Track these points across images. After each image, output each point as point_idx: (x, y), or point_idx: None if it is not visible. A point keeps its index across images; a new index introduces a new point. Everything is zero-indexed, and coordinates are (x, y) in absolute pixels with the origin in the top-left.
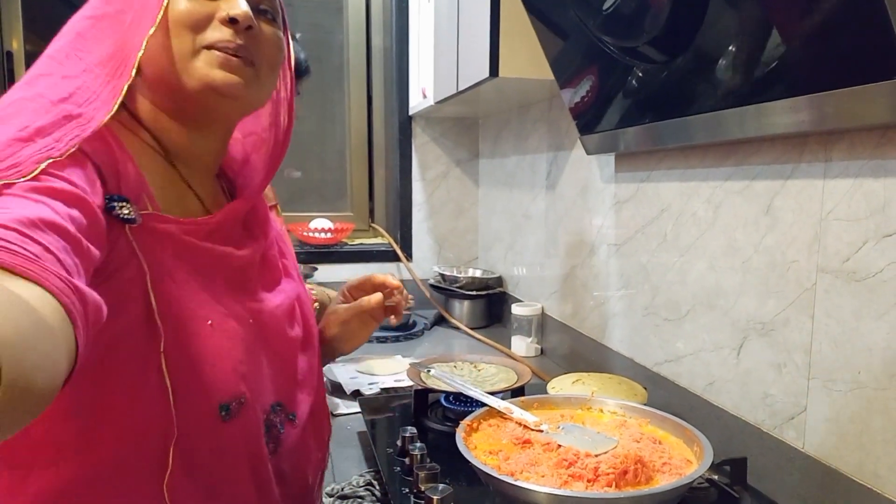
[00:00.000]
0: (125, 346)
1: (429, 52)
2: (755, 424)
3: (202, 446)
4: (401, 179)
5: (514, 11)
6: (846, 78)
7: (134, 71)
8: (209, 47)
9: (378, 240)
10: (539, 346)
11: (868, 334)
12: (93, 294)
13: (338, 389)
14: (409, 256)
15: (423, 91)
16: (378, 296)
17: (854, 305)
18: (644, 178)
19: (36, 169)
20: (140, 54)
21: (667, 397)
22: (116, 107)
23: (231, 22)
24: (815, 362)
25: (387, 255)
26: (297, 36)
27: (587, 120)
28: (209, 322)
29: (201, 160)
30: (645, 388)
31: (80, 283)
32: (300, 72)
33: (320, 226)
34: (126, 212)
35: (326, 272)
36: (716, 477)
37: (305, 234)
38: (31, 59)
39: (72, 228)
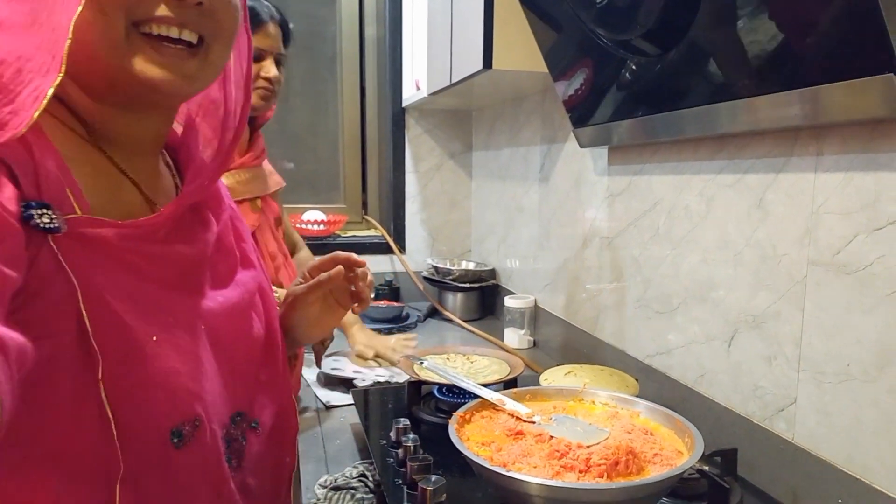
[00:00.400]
0: (57, 374)
1: (422, 43)
2: (746, 416)
3: (153, 479)
4: (394, 171)
5: (507, 3)
6: (838, 72)
7: (63, 68)
8: (145, 29)
9: (371, 232)
10: (532, 339)
11: (858, 327)
12: (10, 335)
13: (331, 381)
14: (402, 248)
15: (416, 83)
16: (338, 268)
17: (844, 298)
18: (637, 171)
19: None
20: (68, 44)
21: (658, 389)
22: (38, 115)
23: None
24: (805, 354)
25: (380, 248)
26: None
27: (581, 113)
28: (153, 338)
29: (139, 144)
30: (636, 380)
31: None
32: (286, 38)
33: (313, 217)
34: (46, 220)
35: None
36: (706, 468)
37: (298, 225)
38: None
39: None
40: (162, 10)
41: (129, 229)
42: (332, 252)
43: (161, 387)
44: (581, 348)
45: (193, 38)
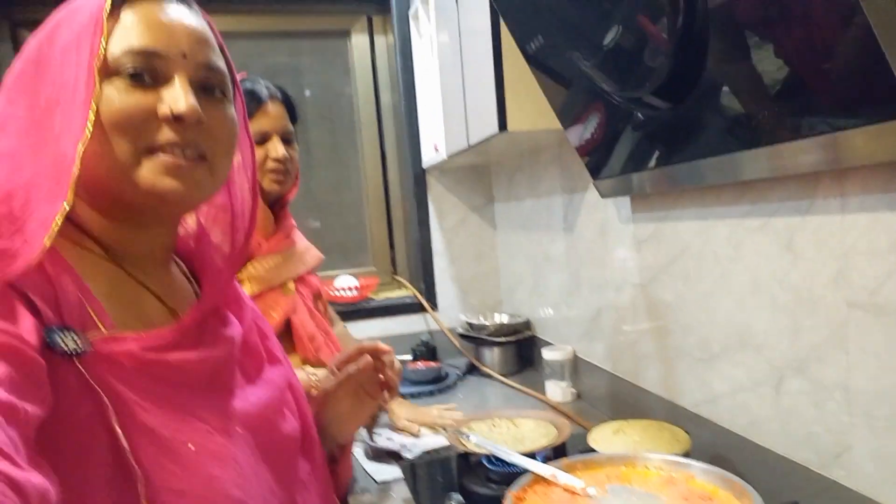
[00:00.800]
0: (95, 496)
1: (438, 107)
2: (802, 464)
3: None
4: (419, 230)
5: (516, 64)
6: (853, 119)
7: (70, 194)
8: (153, 151)
9: (402, 292)
10: (574, 391)
11: None
12: (32, 481)
13: (378, 454)
14: (434, 306)
15: (434, 146)
16: (366, 359)
17: (886, 338)
18: (662, 218)
19: None
20: (75, 171)
21: (710, 438)
22: (49, 242)
23: (176, 120)
24: (854, 398)
25: (412, 307)
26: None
27: (599, 165)
28: (190, 446)
29: (152, 255)
30: (687, 433)
31: (14, 471)
32: (292, 114)
33: (346, 284)
34: (72, 344)
35: (354, 330)
36: None
37: (331, 292)
38: None
39: (1, 393)
40: (165, 135)
41: (154, 340)
42: (364, 315)
43: (203, 497)
44: (626, 398)
45: (195, 156)
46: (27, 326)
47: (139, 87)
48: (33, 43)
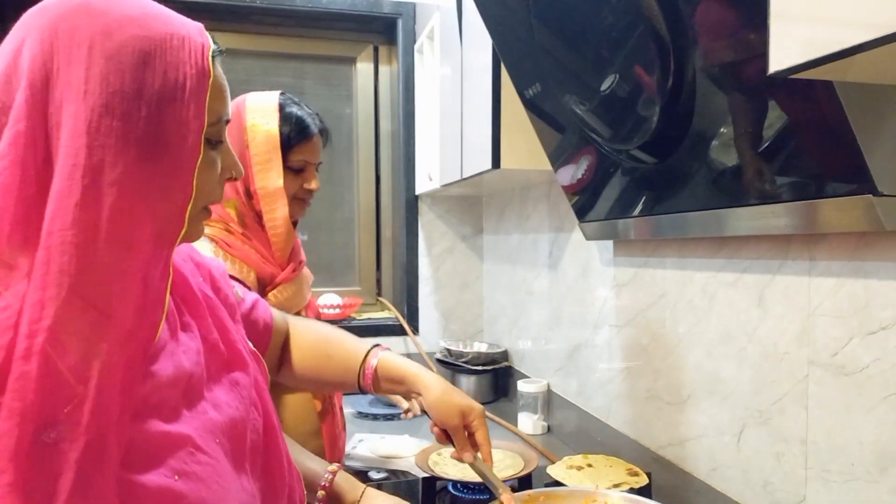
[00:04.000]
0: None
1: (434, 138)
2: None
3: None
4: (407, 254)
5: (514, 105)
6: (823, 191)
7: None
8: (207, 208)
9: (385, 314)
10: (546, 424)
11: (858, 427)
12: None
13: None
14: (415, 330)
15: (429, 175)
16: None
17: (844, 399)
18: (642, 264)
19: None
20: (183, 231)
21: (672, 481)
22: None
23: (229, 180)
24: (811, 452)
25: (393, 329)
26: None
27: (585, 208)
28: (175, 478)
29: None
30: (648, 474)
31: None
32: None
33: (330, 301)
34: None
35: None
36: None
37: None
38: None
39: None
40: (219, 195)
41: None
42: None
43: None
44: (595, 435)
45: None
46: None
47: (209, 149)
48: (99, 86)
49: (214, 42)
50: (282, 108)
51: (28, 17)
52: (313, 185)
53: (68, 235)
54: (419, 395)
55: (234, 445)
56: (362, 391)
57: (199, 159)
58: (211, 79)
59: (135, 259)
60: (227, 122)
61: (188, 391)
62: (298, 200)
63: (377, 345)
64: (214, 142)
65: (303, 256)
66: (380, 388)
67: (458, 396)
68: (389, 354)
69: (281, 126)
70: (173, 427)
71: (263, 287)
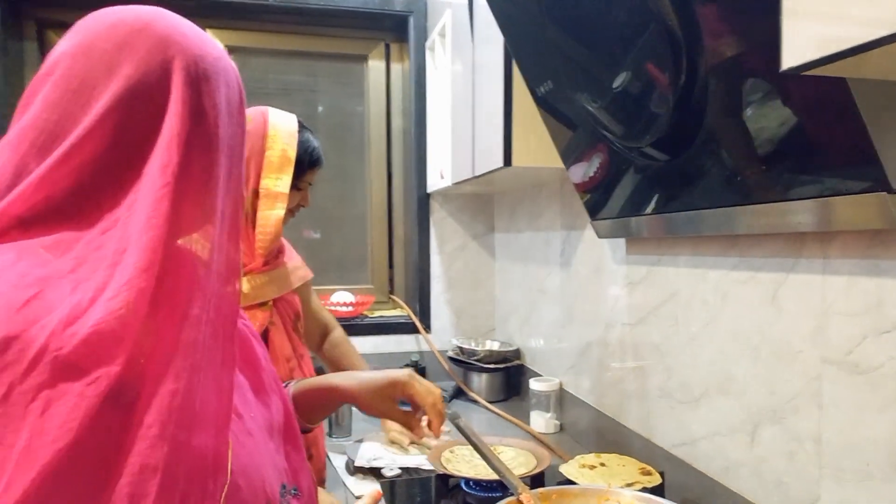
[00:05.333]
0: None
1: (446, 136)
2: None
3: None
4: (419, 253)
5: (525, 103)
6: (838, 188)
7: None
8: None
9: (397, 311)
10: (558, 422)
11: (873, 426)
12: None
13: (360, 469)
14: (427, 328)
15: (441, 172)
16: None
17: (858, 397)
18: (654, 262)
19: None
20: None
21: (684, 480)
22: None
23: None
24: (825, 451)
25: (406, 327)
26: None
27: (598, 206)
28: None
29: None
30: (661, 473)
31: None
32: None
33: (342, 299)
34: None
35: None
36: None
37: (327, 306)
38: None
39: None
40: None
41: None
42: (357, 331)
43: (245, 484)
44: (607, 434)
45: None
46: None
47: None
48: (209, 104)
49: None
50: (301, 128)
51: (122, 32)
52: (307, 202)
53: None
54: (346, 401)
55: (265, 424)
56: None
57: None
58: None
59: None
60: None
61: None
62: (289, 212)
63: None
64: None
65: (285, 258)
66: (305, 412)
67: (378, 380)
68: (300, 381)
69: (298, 148)
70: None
71: None
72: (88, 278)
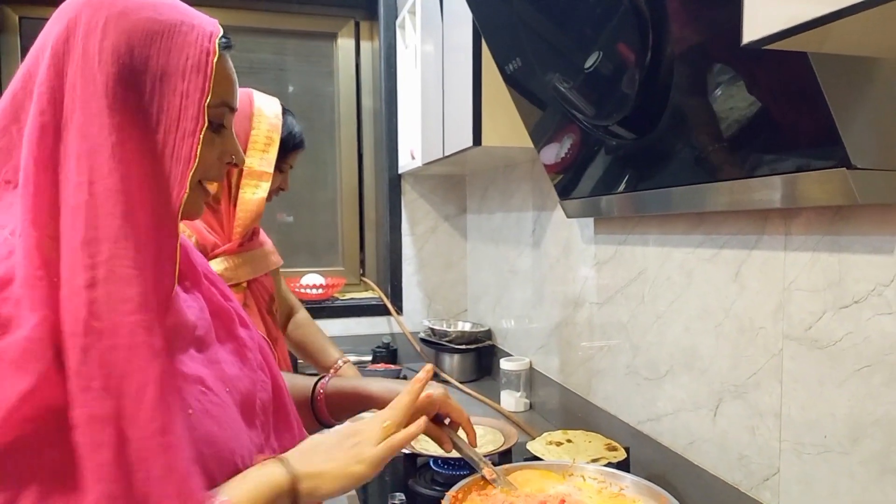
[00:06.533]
0: None
1: (416, 115)
2: (733, 485)
3: None
4: (391, 234)
5: (495, 83)
6: (800, 164)
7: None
8: (202, 183)
9: (368, 293)
10: (528, 401)
11: (831, 400)
12: None
13: None
14: (399, 310)
15: (411, 152)
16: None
17: (817, 372)
18: (622, 241)
19: None
20: (184, 196)
21: (650, 456)
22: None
23: (231, 165)
24: (785, 425)
25: (377, 309)
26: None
27: (569, 186)
28: (189, 411)
29: None
30: (626, 448)
31: None
32: (295, 145)
33: (312, 282)
34: None
35: None
36: None
37: (297, 289)
38: None
39: None
40: (219, 174)
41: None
42: (328, 313)
43: (205, 454)
44: (576, 412)
45: None
46: None
47: (210, 130)
48: (111, 56)
49: (225, 36)
50: (283, 112)
51: (62, 6)
52: (287, 185)
53: (84, 191)
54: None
55: (243, 400)
56: (319, 420)
57: (203, 130)
58: (215, 59)
59: (144, 219)
60: (233, 111)
61: (195, 342)
62: (270, 194)
63: (323, 375)
64: (216, 125)
65: (261, 240)
66: (335, 410)
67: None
68: (337, 378)
69: (282, 130)
70: (184, 367)
71: (204, 254)
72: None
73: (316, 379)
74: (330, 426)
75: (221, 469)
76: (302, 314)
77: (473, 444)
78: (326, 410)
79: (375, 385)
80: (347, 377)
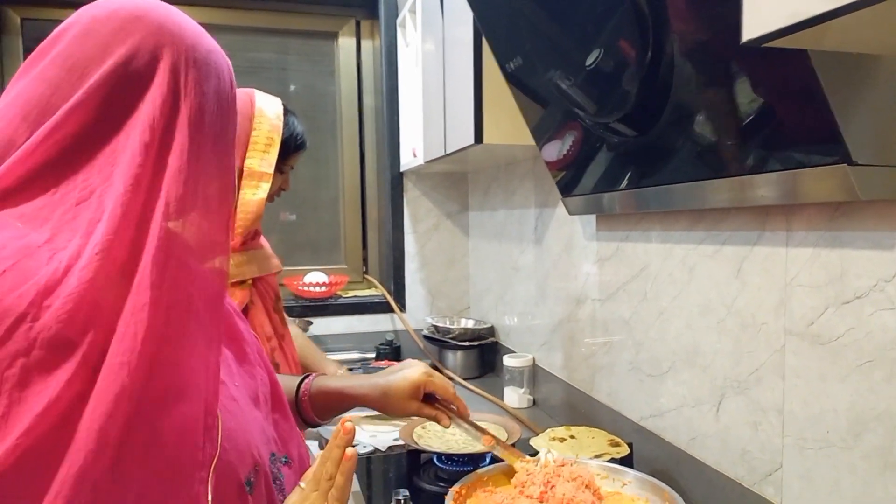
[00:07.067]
0: None
1: (418, 113)
2: (736, 480)
3: None
4: (393, 232)
5: (496, 81)
6: (800, 161)
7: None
8: None
9: (371, 291)
10: (531, 398)
11: (833, 395)
12: None
13: None
14: (402, 307)
15: (413, 151)
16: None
17: (820, 367)
18: (623, 238)
19: None
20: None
21: (653, 452)
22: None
23: None
24: (787, 421)
25: (380, 307)
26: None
27: (570, 183)
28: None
29: None
30: (629, 444)
31: None
32: (297, 146)
33: (315, 280)
34: None
35: (321, 325)
36: None
37: (301, 288)
38: None
39: None
40: None
41: None
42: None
43: (231, 447)
44: (579, 408)
45: None
46: None
47: None
48: (214, 86)
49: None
50: (285, 112)
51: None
52: (288, 185)
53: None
54: (371, 407)
55: (249, 394)
56: (304, 420)
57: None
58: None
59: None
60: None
61: None
62: (271, 195)
63: (307, 375)
64: None
65: (260, 241)
66: (319, 410)
67: (399, 384)
68: (321, 378)
69: (283, 130)
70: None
71: None
72: (64, 247)
73: (299, 379)
74: (315, 426)
75: (241, 461)
76: (293, 329)
77: (465, 413)
78: (311, 411)
79: (360, 387)
80: (332, 376)
